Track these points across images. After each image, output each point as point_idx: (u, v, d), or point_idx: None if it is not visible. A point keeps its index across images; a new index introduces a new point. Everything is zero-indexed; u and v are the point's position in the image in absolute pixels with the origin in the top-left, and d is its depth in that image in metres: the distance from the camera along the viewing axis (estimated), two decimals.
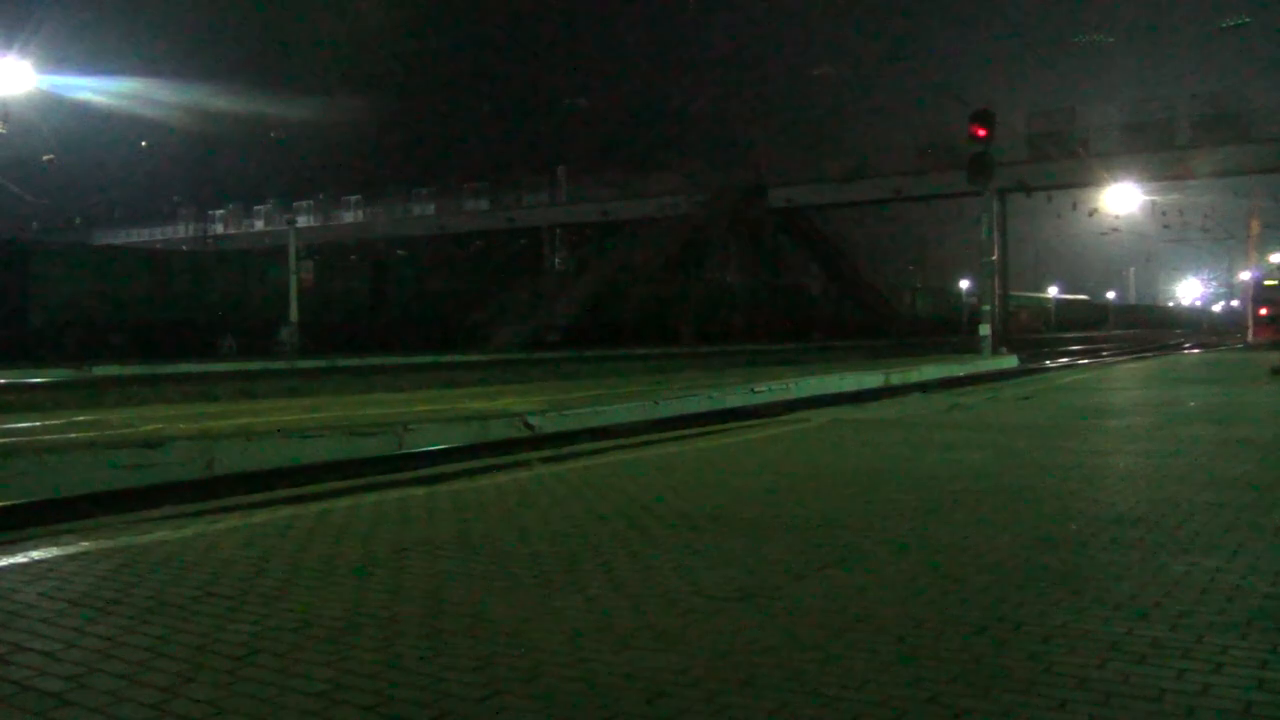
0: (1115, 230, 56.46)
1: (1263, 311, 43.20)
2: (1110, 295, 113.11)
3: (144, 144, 56.97)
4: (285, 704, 2.35)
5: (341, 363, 24.55)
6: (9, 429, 8.72)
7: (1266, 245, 49.66)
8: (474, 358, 28.12)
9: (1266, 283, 44.94)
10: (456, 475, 6.59)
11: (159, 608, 3.16)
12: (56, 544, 4.18)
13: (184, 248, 56.27)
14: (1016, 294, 62.09)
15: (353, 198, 63.40)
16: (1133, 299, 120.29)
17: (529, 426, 10.03)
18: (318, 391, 14.69)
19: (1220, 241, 59.24)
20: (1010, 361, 25.30)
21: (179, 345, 27.61)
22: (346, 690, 2.43)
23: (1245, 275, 54.30)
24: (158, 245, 58.80)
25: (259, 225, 64.03)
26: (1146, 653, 2.62)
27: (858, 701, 2.32)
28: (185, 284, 31.09)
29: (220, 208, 67.44)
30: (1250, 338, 42.72)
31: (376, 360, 25.15)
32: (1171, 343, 51.19)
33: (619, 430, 10.58)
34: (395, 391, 14.35)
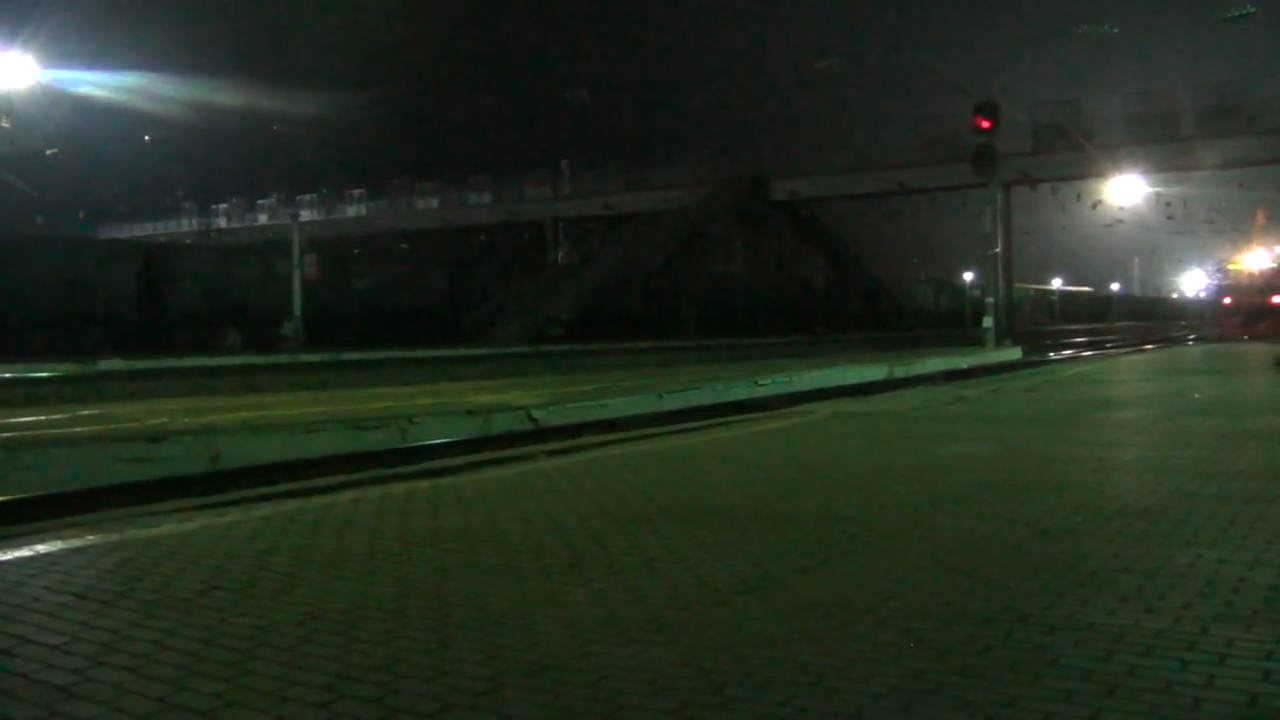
0: (1119, 222, 56.36)
1: (1226, 301, 39.19)
2: (1114, 287, 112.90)
3: (147, 138, 57.01)
4: (291, 697, 2.35)
5: (345, 357, 24.57)
6: (14, 423, 8.74)
7: (1271, 237, 48.38)
8: (477, 351, 28.14)
9: (1229, 267, 40.38)
10: (460, 469, 6.60)
11: (164, 601, 3.17)
12: (62, 538, 4.18)
13: (188, 241, 56.36)
14: (1020, 286, 61.98)
15: (356, 191, 63.39)
16: (1137, 291, 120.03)
17: (533, 420, 10.03)
18: (321, 385, 14.70)
19: (1225, 234, 59.04)
20: (1014, 354, 25.28)
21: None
22: (352, 683, 2.43)
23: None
24: (161, 239, 58.88)
25: (262, 219, 64.06)
26: (1151, 644, 2.61)
27: (863, 694, 2.32)
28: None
29: (223, 202, 67.45)
30: (1227, 331, 37.83)
31: (380, 354, 25.17)
32: (1175, 335, 51.10)
33: (623, 423, 10.58)
34: (399, 385, 14.35)
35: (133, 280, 31.55)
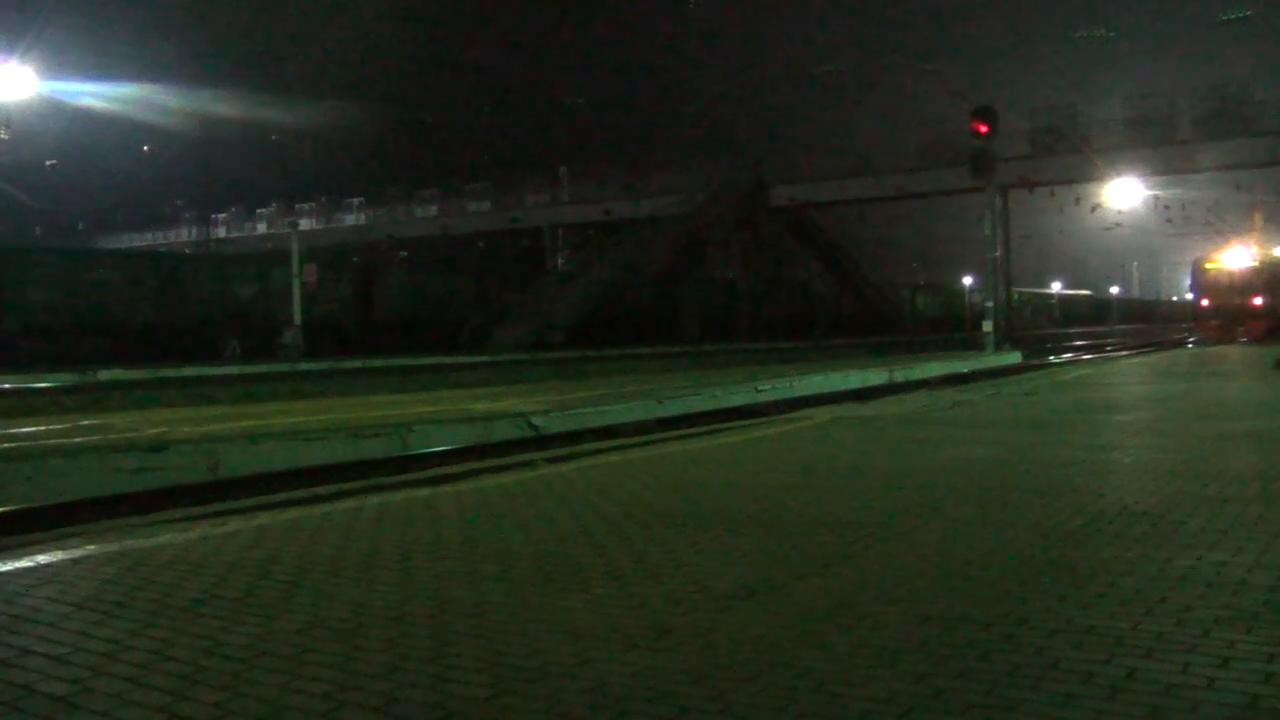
0: (1118, 225, 56.40)
1: (1204, 303, 36.72)
2: (1114, 290, 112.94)
3: (146, 148, 57.05)
4: (291, 706, 2.35)
5: (345, 365, 24.57)
6: (14, 433, 8.74)
7: (1270, 239, 47.80)
8: (477, 359, 28.11)
9: (1207, 266, 37.17)
10: (460, 476, 6.59)
11: (164, 611, 3.17)
12: (62, 548, 4.18)
13: (187, 251, 56.43)
14: (1020, 290, 62.05)
15: (354, 200, 63.41)
16: (1136, 294, 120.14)
17: (533, 427, 10.03)
18: (321, 394, 14.70)
19: (1223, 236, 59.03)
20: (1014, 357, 25.29)
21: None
22: (352, 692, 2.43)
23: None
24: (159, 249, 58.97)
25: (261, 228, 64.09)
26: (1152, 647, 2.61)
27: (864, 698, 2.32)
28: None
29: (222, 211, 67.51)
30: (1206, 334, 35.44)
31: (379, 362, 25.16)
32: (1175, 337, 51.11)
33: (623, 430, 10.59)
34: (398, 393, 14.35)
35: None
